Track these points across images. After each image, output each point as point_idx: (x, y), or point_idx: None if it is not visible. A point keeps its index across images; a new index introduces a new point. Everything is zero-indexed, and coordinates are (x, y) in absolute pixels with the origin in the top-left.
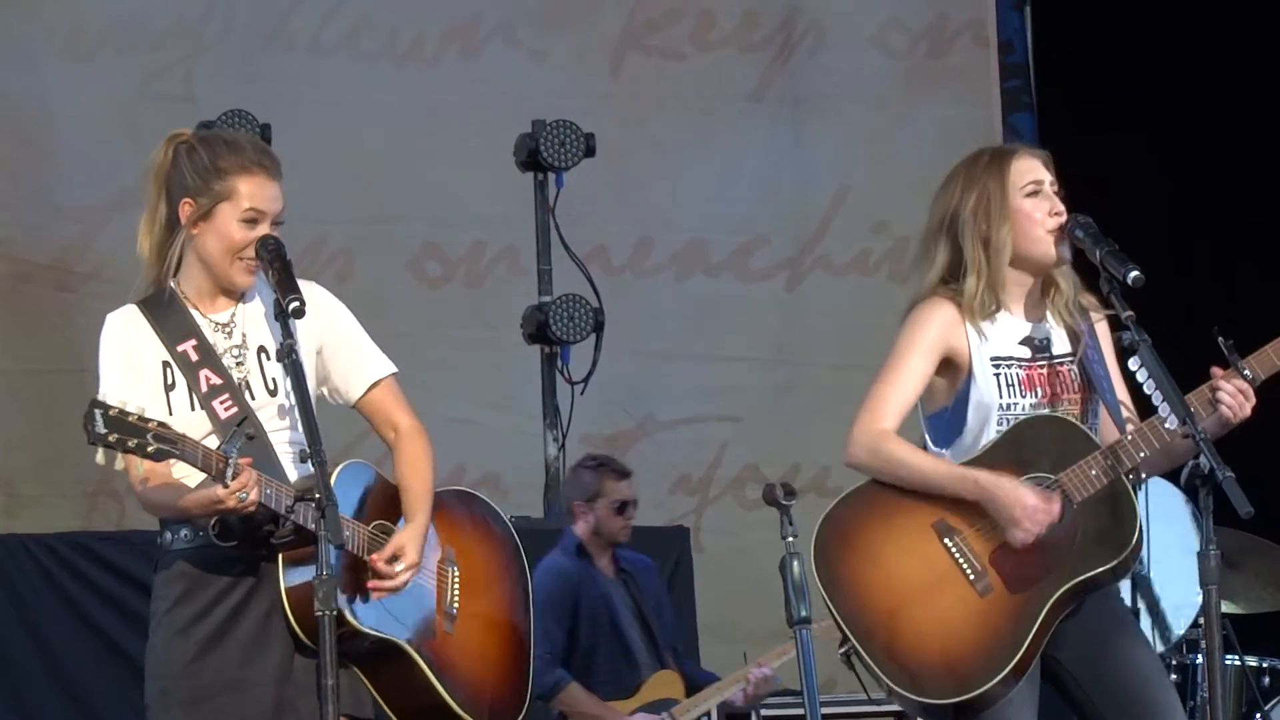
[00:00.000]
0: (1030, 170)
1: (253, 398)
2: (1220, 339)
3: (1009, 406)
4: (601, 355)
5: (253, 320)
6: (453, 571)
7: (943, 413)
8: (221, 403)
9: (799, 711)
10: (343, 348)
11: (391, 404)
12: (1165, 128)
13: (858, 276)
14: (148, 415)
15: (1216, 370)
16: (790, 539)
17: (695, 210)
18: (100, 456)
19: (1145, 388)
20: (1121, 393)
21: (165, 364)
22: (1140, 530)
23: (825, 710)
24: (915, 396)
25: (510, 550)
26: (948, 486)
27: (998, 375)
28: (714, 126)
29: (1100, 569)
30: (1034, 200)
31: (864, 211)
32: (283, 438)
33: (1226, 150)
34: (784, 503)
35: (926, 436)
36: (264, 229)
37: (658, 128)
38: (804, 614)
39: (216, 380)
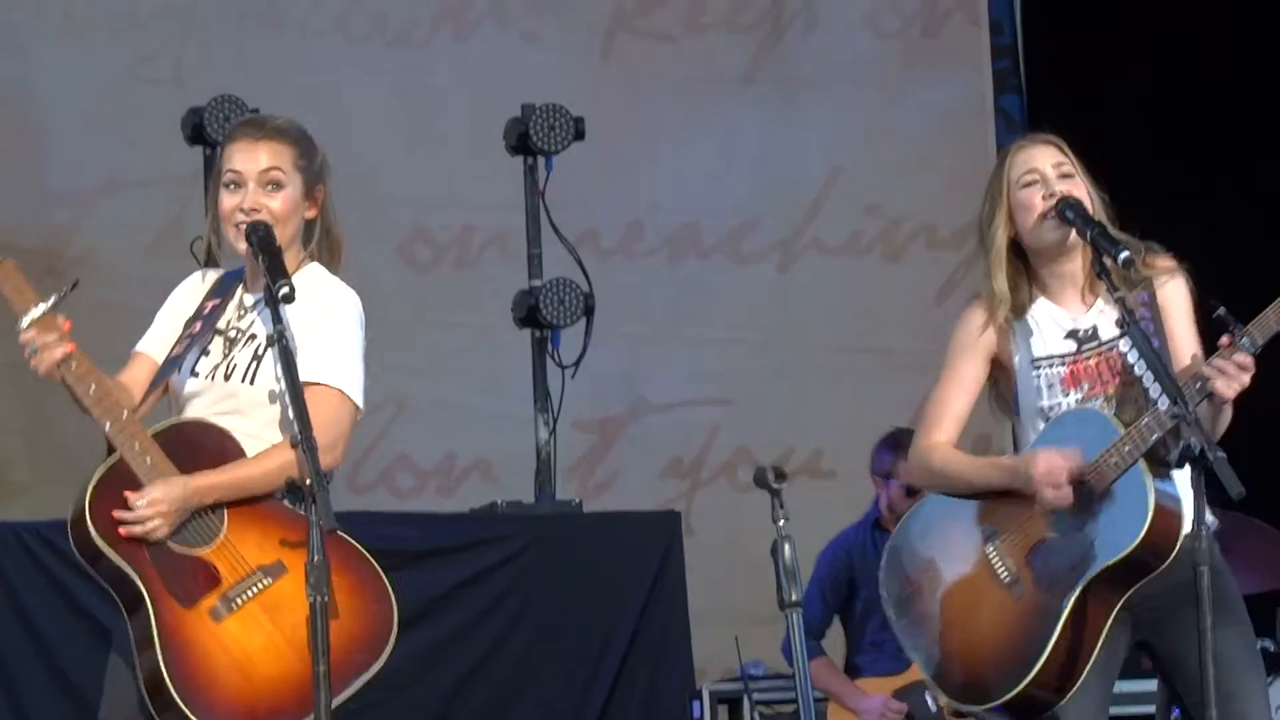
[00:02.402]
0: (1026, 161)
1: (226, 379)
2: (1220, 310)
3: (1051, 408)
4: (592, 339)
5: (265, 312)
6: (264, 580)
7: (1017, 418)
8: (181, 342)
9: (791, 695)
10: (305, 341)
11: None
12: (1154, 109)
13: (850, 258)
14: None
15: (1225, 340)
16: (781, 522)
17: (686, 193)
18: None
19: (1136, 369)
20: (1192, 348)
21: (188, 321)
22: (1157, 514)
23: (817, 694)
24: (968, 403)
25: (369, 620)
26: (981, 482)
27: (1037, 376)
28: (705, 109)
29: (1114, 559)
30: (1029, 190)
31: (856, 193)
32: (240, 424)
33: (1216, 129)
34: (775, 486)
35: (1013, 444)
36: (250, 191)
37: (648, 110)
38: (794, 598)
39: (194, 331)
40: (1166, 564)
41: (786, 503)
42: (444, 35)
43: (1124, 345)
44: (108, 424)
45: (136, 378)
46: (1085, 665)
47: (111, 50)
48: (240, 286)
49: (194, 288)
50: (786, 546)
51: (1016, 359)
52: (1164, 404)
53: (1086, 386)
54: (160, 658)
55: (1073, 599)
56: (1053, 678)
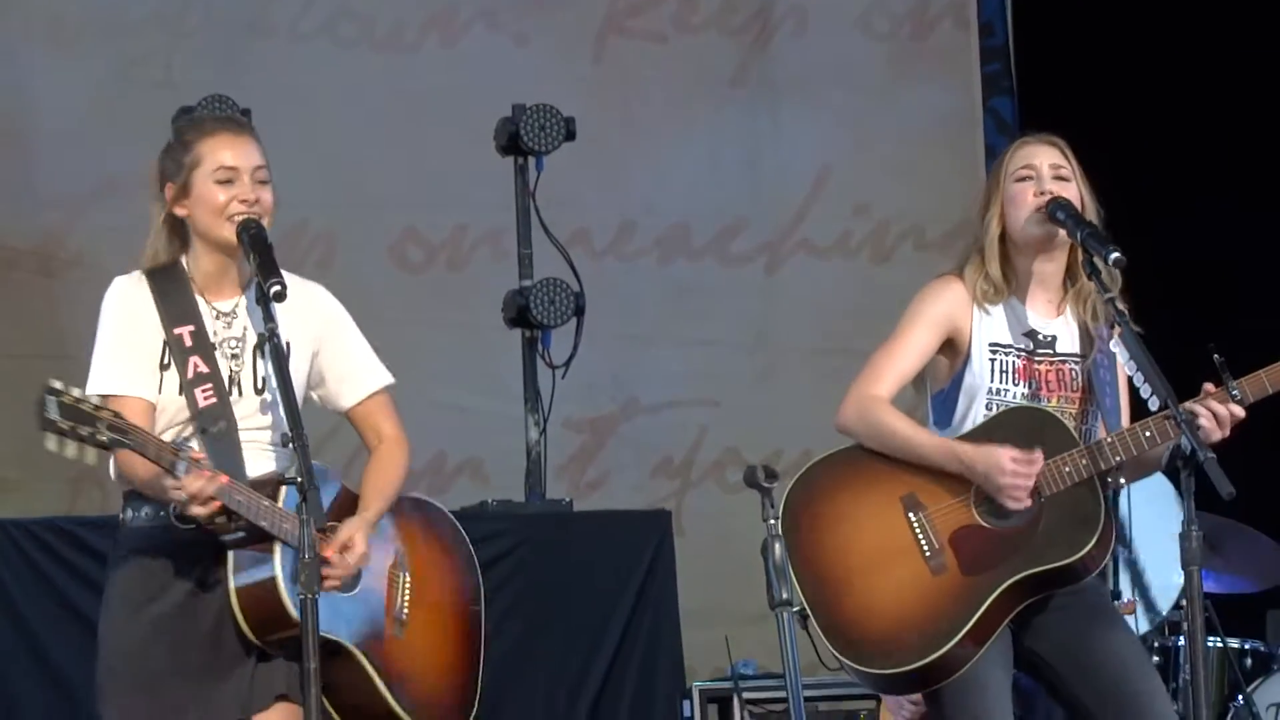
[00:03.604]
0: (1025, 157)
1: (240, 394)
2: (1215, 356)
3: (999, 391)
4: (583, 339)
5: (255, 313)
6: (403, 576)
7: (941, 394)
8: (203, 391)
9: (781, 694)
10: (340, 354)
11: (382, 415)
12: (1145, 111)
13: (839, 259)
14: (103, 405)
15: (1209, 386)
16: (771, 521)
17: (677, 194)
18: (51, 443)
19: (1126, 368)
20: (1124, 409)
21: (165, 343)
22: (1104, 531)
23: (808, 693)
24: (915, 367)
25: (462, 556)
26: (931, 457)
27: (994, 360)
28: (695, 110)
29: (1054, 564)
30: (1021, 185)
31: (845, 194)
32: (264, 435)
33: (1210, 130)
34: (765, 485)
35: (930, 417)
36: (244, 186)
37: (639, 112)
38: (785, 596)
39: (203, 369)
40: (1090, 576)
41: (777, 502)
42: (433, 39)
43: (1114, 344)
44: (273, 524)
45: (145, 425)
46: (975, 658)
47: (102, 54)
48: (195, 293)
49: (136, 307)
50: (777, 545)
51: (974, 339)
52: (1154, 404)
53: (1035, 385)
54: (391, 699)
55: (999, 591)
56: (950, 663)
